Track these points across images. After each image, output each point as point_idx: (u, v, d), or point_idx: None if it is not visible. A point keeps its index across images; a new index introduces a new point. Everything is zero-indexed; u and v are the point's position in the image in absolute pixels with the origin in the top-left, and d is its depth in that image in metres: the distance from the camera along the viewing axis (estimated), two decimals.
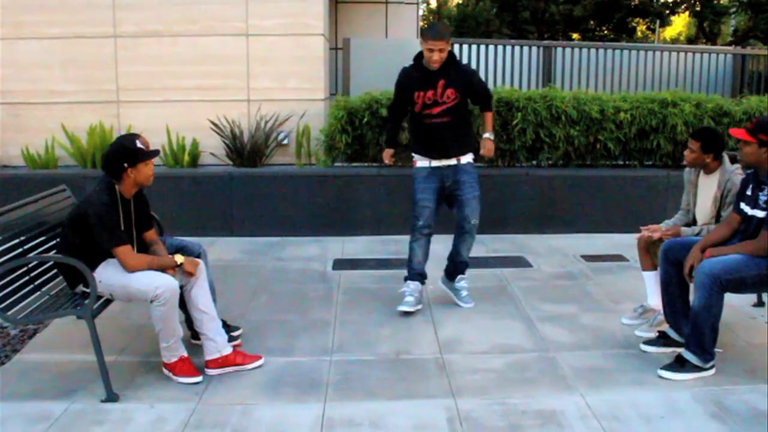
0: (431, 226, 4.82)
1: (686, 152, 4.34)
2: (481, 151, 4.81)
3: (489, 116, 4.92)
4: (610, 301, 5.00)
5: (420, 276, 4.88)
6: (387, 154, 5.08)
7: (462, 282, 4.97)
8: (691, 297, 3.83)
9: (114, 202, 3.64)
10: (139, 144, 3.68)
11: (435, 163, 4.73)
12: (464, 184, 4.74)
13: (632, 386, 3.65)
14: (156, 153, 3.81)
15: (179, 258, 3.72)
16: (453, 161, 4.73)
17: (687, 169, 4.53)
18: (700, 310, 3.63)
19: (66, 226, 3.73)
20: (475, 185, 4.79)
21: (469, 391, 3.60)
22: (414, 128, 4.82)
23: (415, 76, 4.67)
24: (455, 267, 4.98)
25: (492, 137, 4.85)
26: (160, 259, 3.72)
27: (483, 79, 8.40)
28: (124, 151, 3.64)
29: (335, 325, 4.55)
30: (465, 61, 8.43)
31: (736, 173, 4.18)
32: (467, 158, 4.78)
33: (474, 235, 4.88)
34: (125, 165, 3.62)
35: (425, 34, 4.55)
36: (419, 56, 4.65)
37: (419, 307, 4.77)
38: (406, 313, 4.67)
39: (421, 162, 4.77)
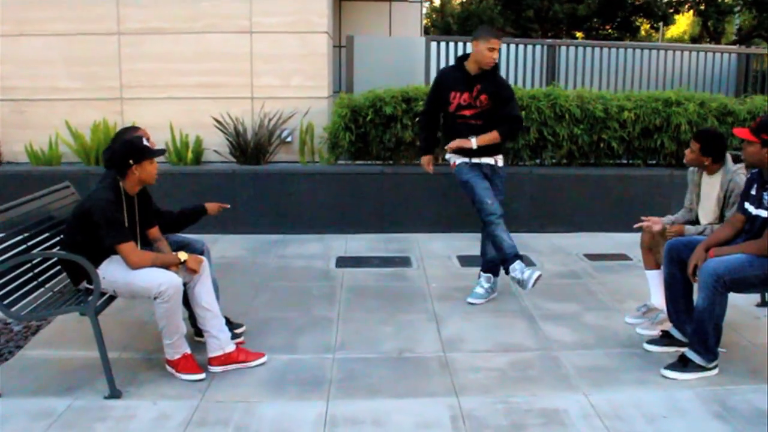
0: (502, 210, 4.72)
1: (687, 151, 4.33)
2: (455, 144, 4.72)
3: (493, 133, 4.70)
4: (614, 300, 5.00)
5: (520, 256, 4.66)
6: (428, 162, 5.14)
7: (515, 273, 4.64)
8: (695, 296, 3.82)
9: (118, 198, 3.64)
10: (145, 142, 3.69)
11: (475, 159, 4.80)
12: (497, 185, 4.85)
13: (635, 385, 3.64)
14: (162, 152, 3.82)
15: (183, 255, 3.72)
16: (491, 160, 4.83)
17: (690, 169, 4.52)
18: (703, 310, 3.63)
19: (70, 223, 3.73)
20: (503, 187, 4.92)
21: (472, 390, 3.60)
22: (448, 128, 4.87)
23: (455, 76, 4.76)
24: (496, 263, 4.95)
25: (474, 142, 4.68)
26: (164, 257, 3.72)
27: None
28: (131, 148, 3.64)
29: (338, 323, 4.55)
30: None
31: (738, 173, 4.16)
32: (501, 161, 4.90)
33: None
34: (130, 162, 3.62)
35: (486, 33, 4.61)
36: (464, 57, 4.75)
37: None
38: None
39: (460, 159, 4.84)
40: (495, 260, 4.89)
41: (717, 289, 3.57)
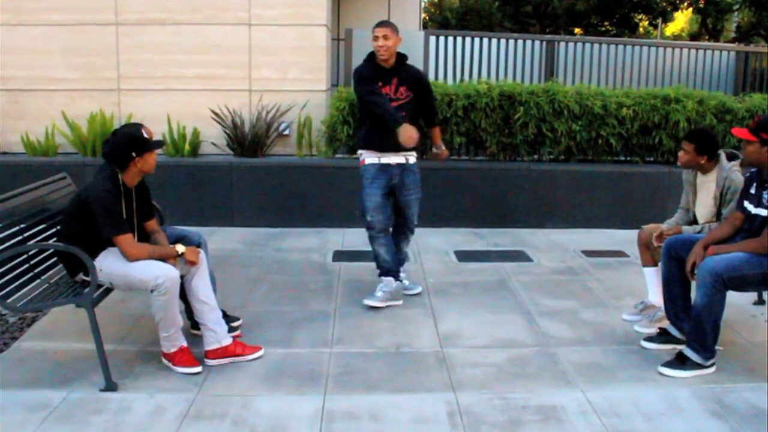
0: (388, 220, 4.83)
1: (680, 153, 4.32)
2: (438, 152, 5.11)
3: (437, 131, 5.14)
4: (611, 297, 4.99)
5: (395, 273, 4.85)
6: (410, 129, 4.54)
7: (402, 274, 4.94)
8: (693, 294, 3.82)
9: (117, 190, 3.62)
10: (145, 134, 3.67)
11: (384, 160, 4.73)
12: (410, 185, 4.83)
13: (633, 383, 3.64)
14: (161, 143, 3.83)
15: (180, 248, 3.70)
16: (402, 159, 4.78)
17: (685, 170, 4.52)
18: (702, 308, 3.62)
19: (67, 214, 3.71)
20: (418, 186, 4.90)
21: (469, 385, 3.59)
22: (369, 122, 4.76)
23: (373, 71, 4.72)
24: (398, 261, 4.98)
25: (444, 149, 5.12)
26: (161, 249, 3.70)
27: (484, 73, 8.45)
28: (133, 140, 3.63)
29: (335, 317, 4.54)
30: (468, 54, 8.42)
31: (733, 170, 4.17)
32: (414, 158, 4.87)
33: (414, 233, 5.07)
34: (133, 154, 3.61)
35: (374, 26, 4.69)
36: (371, 56, 4.73)
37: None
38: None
39: (370, 159, 4.76)
40: (395, 264, 4.86)
41: (715, 288, 3.57)
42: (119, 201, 3.62)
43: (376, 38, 4.62)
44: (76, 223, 3.61)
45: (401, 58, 4.76)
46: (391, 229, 4.91)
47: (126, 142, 3.63)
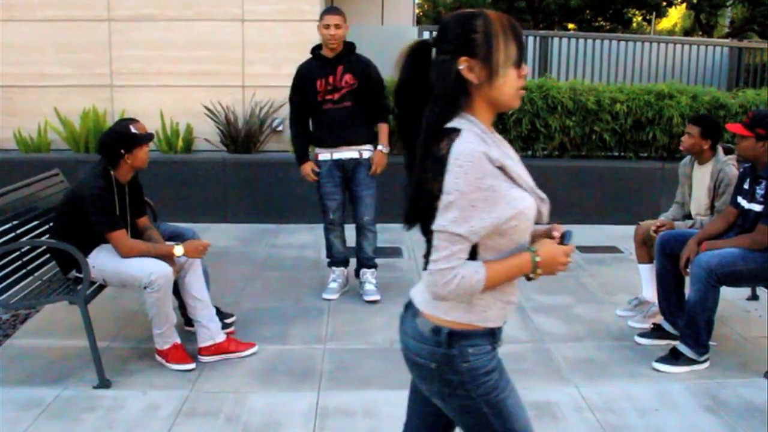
0: (342, 215, 4.89)
1: (684, 138, 4.31)
2: (372, 168, 4.73)
3: (384, 128, 4.79)
4: (605, 292, 5.00)
5: (344, 262, 5.01)
6: (308, 169, 4.77)
7: (367, 275, 4.90)
8: (687, 290, 3.83)
9: (109, 187, 3.60)
10: (133, 129, 3.65)
11: (337, 155, 4.70)
12: (362, 180, 4.73)
13: (626, 378, 3.65)
14: (151, 137, 3.80)
15: (178, 250, 3.67)
16: (355, 153, 4.70)
17: (681, 162, 4.53)
18: (695, 304, 3.63)
19: (60, 211, 3.70)
20: (370, 182, 4.77)
21: None
22: (316, 118, 4.75)
23: (315, 65, 4.68)
24: (359, 262, 4.96)
25: (385, 150, 4.76)
26: (158, 248, 3.68)
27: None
28: (120, 137, 3.61)
29: (329, 314, 4.54)
30: None
31: (728, 163, 4.18)
32: (369, 152, 4.74)
33: (372, 230, 4.88)
34: (122, 151, 3.59)
35: (323, 13, 4.64)
36: (317, 47, 4.71)
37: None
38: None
39: (322, 155, 4.75)
40: (371, 256, 4.92)
41: (709, 283, 3.58)
42: (112, 197, 3.61)
43: (327, 26, 4.54)
44: (68, 220, 3.60)
45: (349, 46, 4.70)
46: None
47: (113, 139, 3.62)
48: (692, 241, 3.82)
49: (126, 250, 3.55)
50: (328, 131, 4.68)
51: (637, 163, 7.24)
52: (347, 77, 4.59)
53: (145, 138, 3.70)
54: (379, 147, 4.72)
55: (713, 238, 3.83)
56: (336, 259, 4.97)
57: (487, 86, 1.69)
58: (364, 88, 4.63)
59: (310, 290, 4.97)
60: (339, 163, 4.71)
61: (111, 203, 3.59)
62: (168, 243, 3.77)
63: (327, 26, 4.54)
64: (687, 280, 3.83)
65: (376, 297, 4.76)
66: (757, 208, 3.69)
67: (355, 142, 4.67)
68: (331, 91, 4.60)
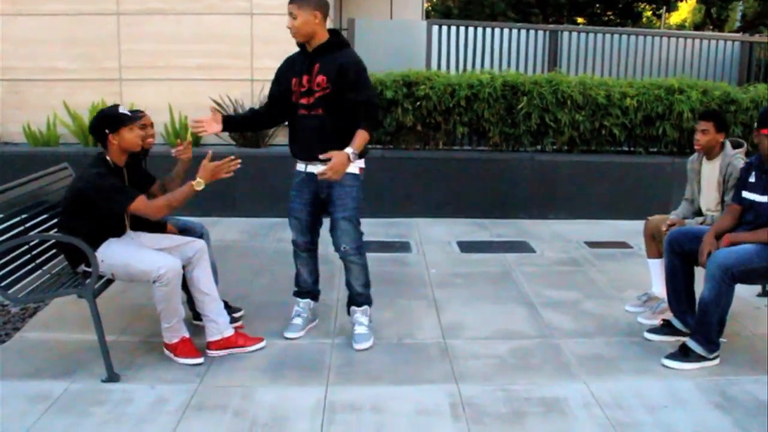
0: (310, 242, 4.26)
1: (698, 136, 4.25)
2: (320, 170, 3.74)
3: (360, 134, 3.80)
4: (614, 288, 4.98)
5: (310, 294, 4.30)
6: (200, 117, 4.20)
7: (356, 315, 4.11)
8: (697, 287, 3.80)
9: (108, 170, 3.58)
10: (121, 110, 3.62)
11: (311, 168, 3.96)
12: (337, 200, 3.97)
13: (636, 374, 3.63)
14: (137, 116, 3.75)
15: (199, 185, 3.68)
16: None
17: (690, 158, 4.50)
18: (709, 302, 3.59)
19: (65, 206, 3.69)
20: (348, 203, 3.98)
21: (471, 377, 3.58)
22: (291, 124, 4.04)
23: (296, 58, 4.01)
24: (348, 298, 4.18)
25: (351, 153, 3.76)
26: (181, 192, 3.67)
27: (487, 63, 8.38)
28: (104, 118, 3.59)
29: (337, 308, 4.53)
30: (470, 44, 8.34)
31: (736, 157, 4.16)
32: (352, 169, 3.90)
33: (356, 262, 4.09)
34: (106, 131, 3.57)
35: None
36: None
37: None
38: None
39: (298, 165, 4.10)
40: (359, 292, 4.12)
41: (724, 281, 3.54)
42: (112, 177, 3.59)
43: (290, 14, 3.83)
44: (75, 214, 3.59)
45: (332, 39, 3.88)
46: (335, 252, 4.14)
47: (98, 120, 3.61)
48: (710, 235, 3.75)
49: (155, 211, 3.54)
50: (299, 143, 3.99)
51: (647, 158, 7.20)
52: (320, 79, 3.76)
53: (129, 118, 3.63)
54: (347, 149, 3.74)
55: (726, 232, 3.79)
56: (300, 290, 4.28)
57: None
58: (336, 94, 3.76)
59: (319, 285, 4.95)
60: (312, 178, 3.95)
61: (114, 181, 3.55)
62: (183, 188, 3.70)
63: (290, 14, 3.82)
64: (697, 277, 3.79)
65: (365, 345, 3.93)
66: None
67: (320, 161, 3.77)
68: (305, 93, 3.82)
